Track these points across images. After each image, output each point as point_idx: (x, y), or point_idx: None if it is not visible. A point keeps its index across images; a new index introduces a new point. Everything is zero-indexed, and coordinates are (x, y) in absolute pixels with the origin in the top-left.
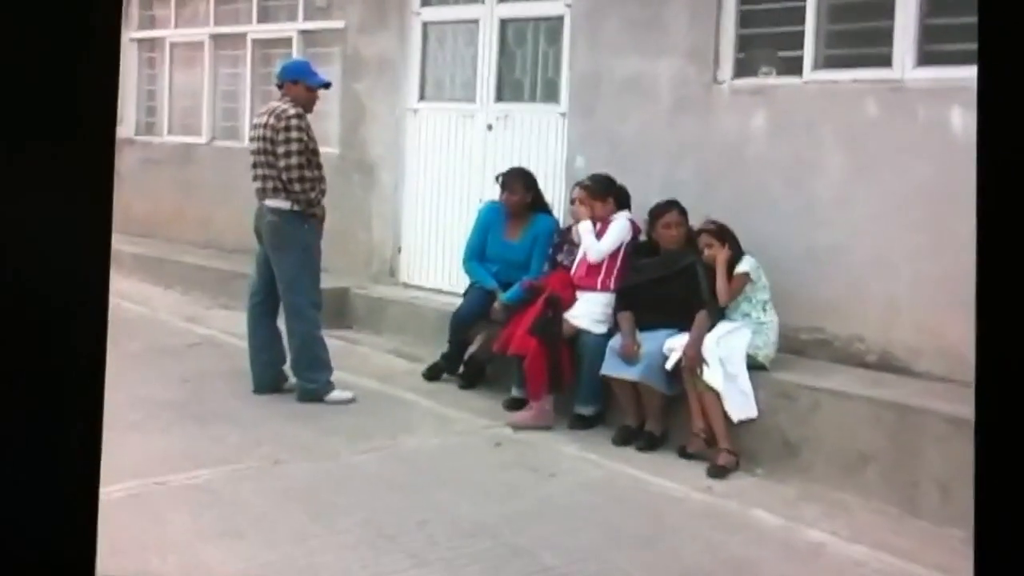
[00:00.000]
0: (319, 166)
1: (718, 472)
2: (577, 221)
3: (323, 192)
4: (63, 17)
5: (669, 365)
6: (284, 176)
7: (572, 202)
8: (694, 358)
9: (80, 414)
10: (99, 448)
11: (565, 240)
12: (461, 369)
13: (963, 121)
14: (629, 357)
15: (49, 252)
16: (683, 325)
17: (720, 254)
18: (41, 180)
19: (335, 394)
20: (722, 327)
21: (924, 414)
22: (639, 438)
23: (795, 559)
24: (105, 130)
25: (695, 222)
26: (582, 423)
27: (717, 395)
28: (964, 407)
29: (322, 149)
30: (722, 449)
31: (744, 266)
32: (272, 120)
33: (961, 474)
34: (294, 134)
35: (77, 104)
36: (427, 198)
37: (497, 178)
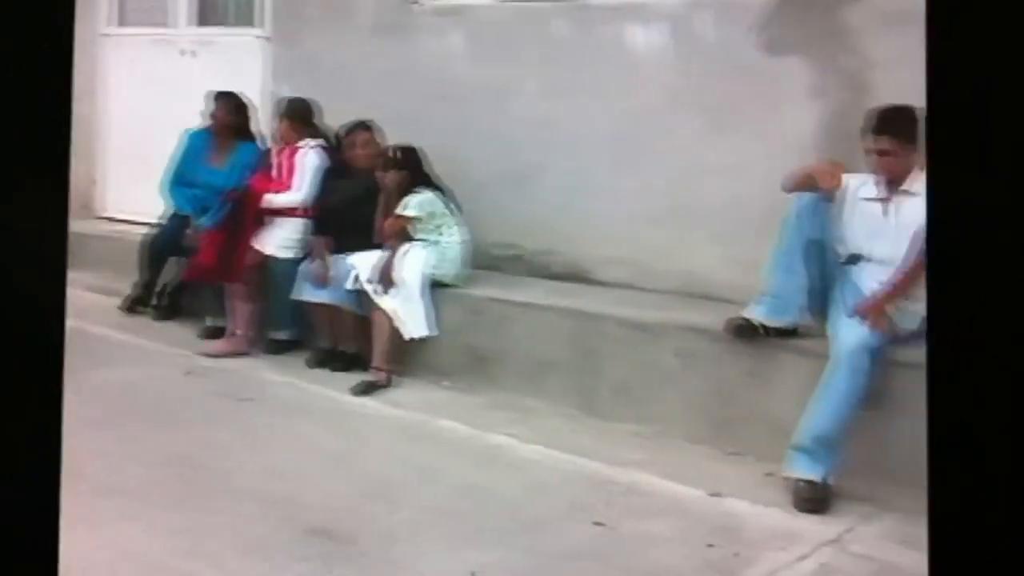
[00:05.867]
0: None
1: (366, 388)
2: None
3: None
4: (16, 15)
5: (350, 285)
6: None
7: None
8: (386, 277)
9: (39, 415)
10: (59, 448)
11: (268, 163)
12: (156, 300)
13: (643, 37)
14: (321, 281)
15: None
16: (379, 246)
17: (389, 191)
18: None
19: None
20: (400, 248)
21: (602, 319)
22: (335, 359)
23: (476, 462)
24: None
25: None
26: (278, 348)
27: (387, 315)
28: (638, 310)
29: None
30: (374, 367)
31: (405, 208)
32: None
33: (633, 373)
34: None
35: (31, 103)
36: (126, 129)
37: (210, 97)
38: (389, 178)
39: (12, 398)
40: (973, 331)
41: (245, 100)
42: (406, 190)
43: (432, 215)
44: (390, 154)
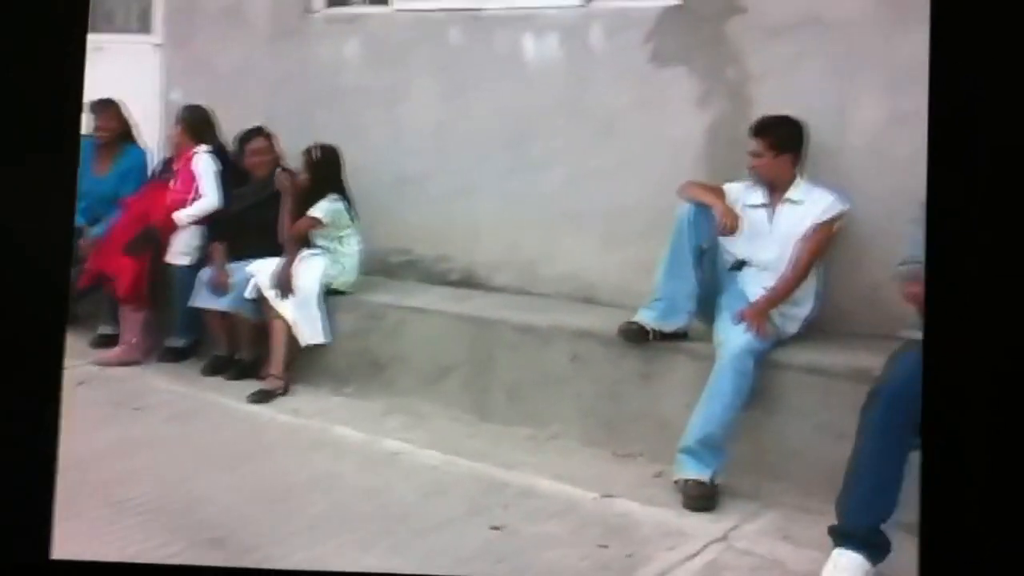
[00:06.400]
0: None
1: (262, 396)
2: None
3: None
4: (29, 19)
5: (248, 292)
6: None
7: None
8: (284, 284)
9: (38, 401)
10: (57, 433)
11: (167, 170)
12: None
13: (536, 46)
14: (219, 288)
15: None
16: (278, 252)
17: (289, 194)
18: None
19: None
20: (299, 255)
21: (496, 324)
22: (231, 367)
23: (373, 468)
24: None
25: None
26: (173, 356)
27: (284, 322)
28: (532, 315)
29: None
30: (271, 375)
31: (316, 211)
32: None
33: (527, 376)
34: None
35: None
36: None
37: (90, 107)
38: (302, 178)
39: (11, 396)
40: (969, 332)
41: (122, 104)
42: (318, 193)
43: (337, 224)
44: (311, 155)
